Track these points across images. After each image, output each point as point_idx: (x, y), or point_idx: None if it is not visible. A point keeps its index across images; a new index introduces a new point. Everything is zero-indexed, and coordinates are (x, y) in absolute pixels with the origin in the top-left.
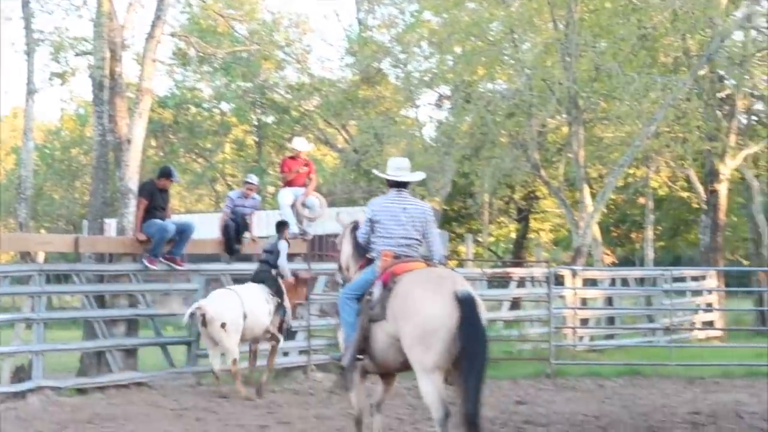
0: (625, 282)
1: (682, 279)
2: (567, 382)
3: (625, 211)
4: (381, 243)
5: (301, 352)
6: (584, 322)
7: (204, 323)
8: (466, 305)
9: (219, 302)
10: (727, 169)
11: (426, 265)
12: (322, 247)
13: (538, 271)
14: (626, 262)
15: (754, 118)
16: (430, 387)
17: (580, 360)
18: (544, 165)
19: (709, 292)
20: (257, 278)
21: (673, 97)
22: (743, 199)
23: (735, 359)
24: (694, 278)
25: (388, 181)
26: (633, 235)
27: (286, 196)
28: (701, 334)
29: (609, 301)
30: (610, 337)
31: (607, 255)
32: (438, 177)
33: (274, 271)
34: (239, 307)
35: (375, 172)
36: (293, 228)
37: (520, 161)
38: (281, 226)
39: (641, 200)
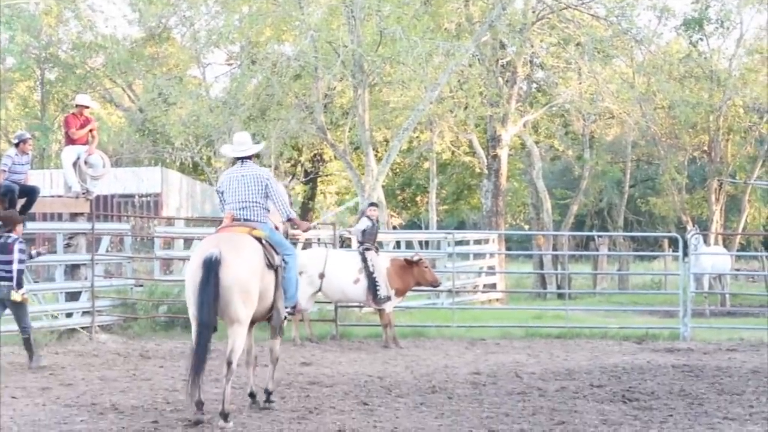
0: (409, 244)
1: (465, 242)
2: (352, 343)
3: (410, 175)
4: (226, 207)
5: (84, 314)
6: None
7: None
8: (205, 267)
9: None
10: (508, 135)
11: (246, 230)
12: (106, 206)
13: (324, 234)
14: (412, 225)
15: (534, 85)
16: (192, 333)
17: (365, 322)
18: (330, 128)
19: (491, 255)
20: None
21: (456, 62)
22: (524, 165)
23: (515, 321)
24: (477, 242)
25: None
26: (418, 199)
27: (70, 154)
28: (483, 297)
29: None
30: None
31: (394, 217)
32: (224, 138)
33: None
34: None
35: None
36: (75, 186)
37: (307, 123)
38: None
39: (426, 164)
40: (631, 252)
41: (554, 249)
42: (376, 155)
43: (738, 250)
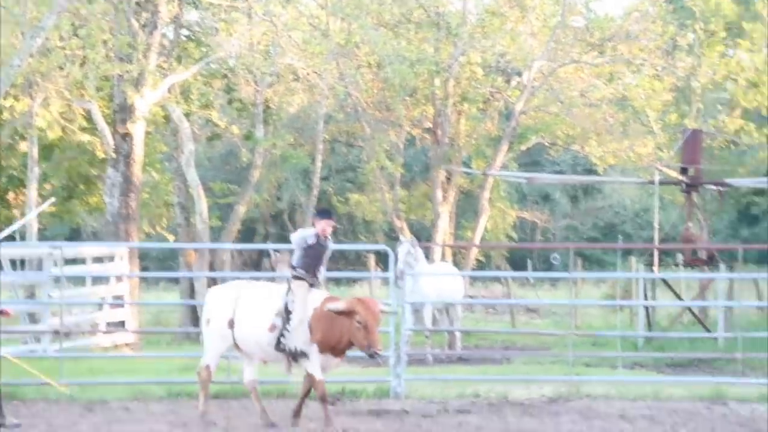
0: None
1: (80, 261)
2: None
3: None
4: None
5: None
6: None
7: None
8: None
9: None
10: (145, 103)
11: None
12: None
13: None
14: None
15: (184, 32)
16: None
17: None
18: None
19: (119, 279)
20: None
21: None
22: (168, 148)
23: (153, 375)
24: (98, 259)
25: None
26: (10, 197)
27: None
28: (107, 341)
29: None
30: None
31: None
32: None
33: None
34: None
35: None
36: None
37: None
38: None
39: (23, 146)
40: None
41: (212, 269)
42: None
43: (473, 269)
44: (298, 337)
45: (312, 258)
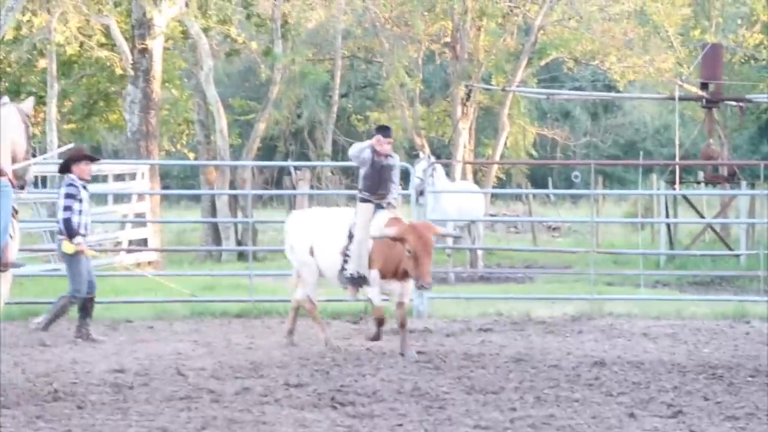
0: None
1: (101, 178)
2: None
3: (18, 79)
4: None
5: None
6: None
7: None
8: None
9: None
10: (163, 19)
11: None
12: None
13: None
14: None
15: None
16: None
17: None
18: None
19: (140, 197)
20: None
21: None
22: (187, 64)
23: (175, 294)
24: (119, 177)
25: None
26: (33, 114)
27: None
28: (129, 259)
29: None
30: None
31: None
32: None
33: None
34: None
35: None
36: None
37: None
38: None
39: (42, 62)
40: (343, 190)
41: (232, 187)
42: None
43: (494, 187)
44: (358, 262)
45: (373, 178)
